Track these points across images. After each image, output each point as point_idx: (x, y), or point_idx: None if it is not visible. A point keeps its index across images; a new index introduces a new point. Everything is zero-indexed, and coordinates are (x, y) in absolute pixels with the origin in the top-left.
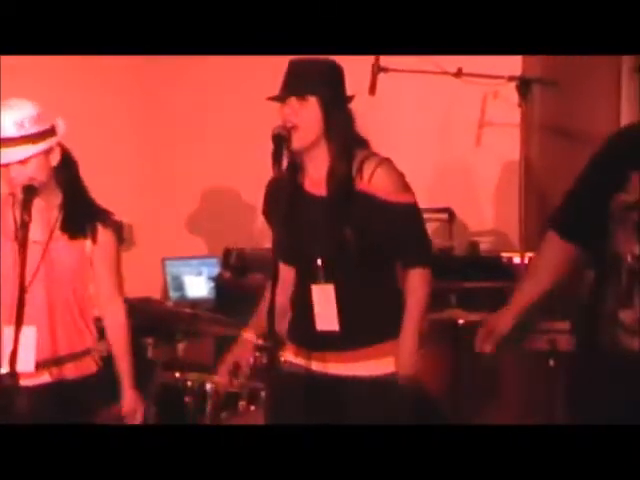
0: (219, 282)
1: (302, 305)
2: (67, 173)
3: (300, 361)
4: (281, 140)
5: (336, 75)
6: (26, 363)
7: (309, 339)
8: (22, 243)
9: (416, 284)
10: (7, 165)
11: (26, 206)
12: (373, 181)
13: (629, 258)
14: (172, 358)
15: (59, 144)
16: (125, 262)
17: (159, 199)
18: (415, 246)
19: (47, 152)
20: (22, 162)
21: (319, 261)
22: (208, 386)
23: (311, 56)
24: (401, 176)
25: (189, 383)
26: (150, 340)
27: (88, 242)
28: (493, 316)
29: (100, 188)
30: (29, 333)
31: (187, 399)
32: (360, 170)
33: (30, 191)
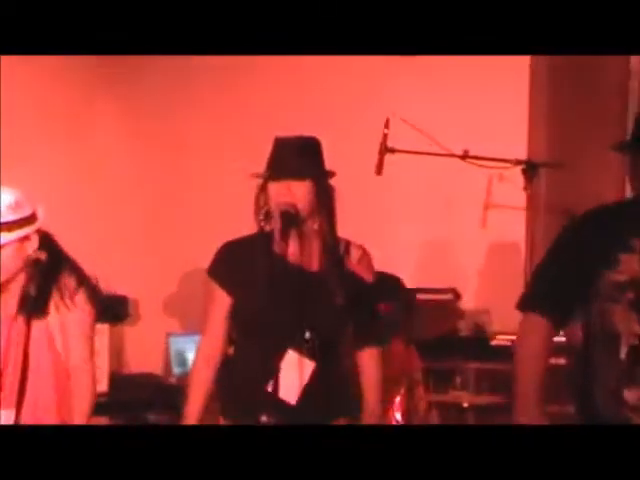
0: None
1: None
2: (47, 259)
3: None
4: (290, 218)
5: (321, 153)
6: None
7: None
8: (28, 316)
9: (365, 362)
10: None
11: (33, 279)
12: (362, 264)
13: (630, 336)
14: None
15: (38, 231)
16: (129, 337)
17: (164, 274)
18: (368, 324)
19: (22, 240)
20: None
21: (307, 334)
22: None
23: (294, 135)
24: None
25: None
26: (152, 415)
27: (51, 318)
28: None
29: (106, 261)
30: (8, 416)
31: None
32: (347, 252)
33: (37, 264)
